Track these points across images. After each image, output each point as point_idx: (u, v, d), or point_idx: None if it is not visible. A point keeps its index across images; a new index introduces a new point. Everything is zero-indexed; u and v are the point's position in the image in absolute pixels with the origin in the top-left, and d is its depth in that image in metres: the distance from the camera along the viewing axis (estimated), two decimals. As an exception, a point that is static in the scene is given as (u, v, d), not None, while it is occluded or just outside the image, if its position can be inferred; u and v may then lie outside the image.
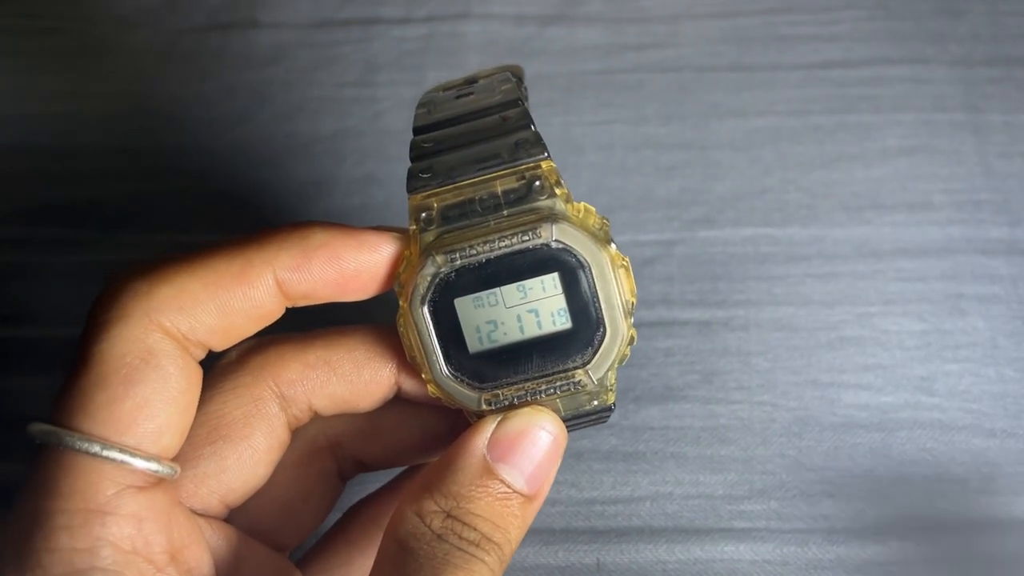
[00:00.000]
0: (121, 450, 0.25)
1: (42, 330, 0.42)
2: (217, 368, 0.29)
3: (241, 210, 0.44)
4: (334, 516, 0.34)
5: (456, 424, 0.29)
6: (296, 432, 0.30)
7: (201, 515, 0.28)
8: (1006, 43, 0.46)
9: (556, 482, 0.40)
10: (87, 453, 0.24)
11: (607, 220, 0.28)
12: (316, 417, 0.30)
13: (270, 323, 0.28)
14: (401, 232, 0.28)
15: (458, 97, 0.29)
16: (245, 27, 0.47)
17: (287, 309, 0.28)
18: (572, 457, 0.40)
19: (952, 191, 0.44)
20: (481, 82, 0.30)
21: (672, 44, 0.46)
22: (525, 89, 0.29)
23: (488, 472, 0.26)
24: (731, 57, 0.46)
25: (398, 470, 0.34)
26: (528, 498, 0.27)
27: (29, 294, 0.43)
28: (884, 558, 0.38)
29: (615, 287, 0.27)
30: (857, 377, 0.41)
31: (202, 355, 0.27)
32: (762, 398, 0.41)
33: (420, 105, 0.30)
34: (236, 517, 0.30)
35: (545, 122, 0.45)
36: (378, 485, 0.34)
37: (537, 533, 0.39)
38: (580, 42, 0.46)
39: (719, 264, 0.43)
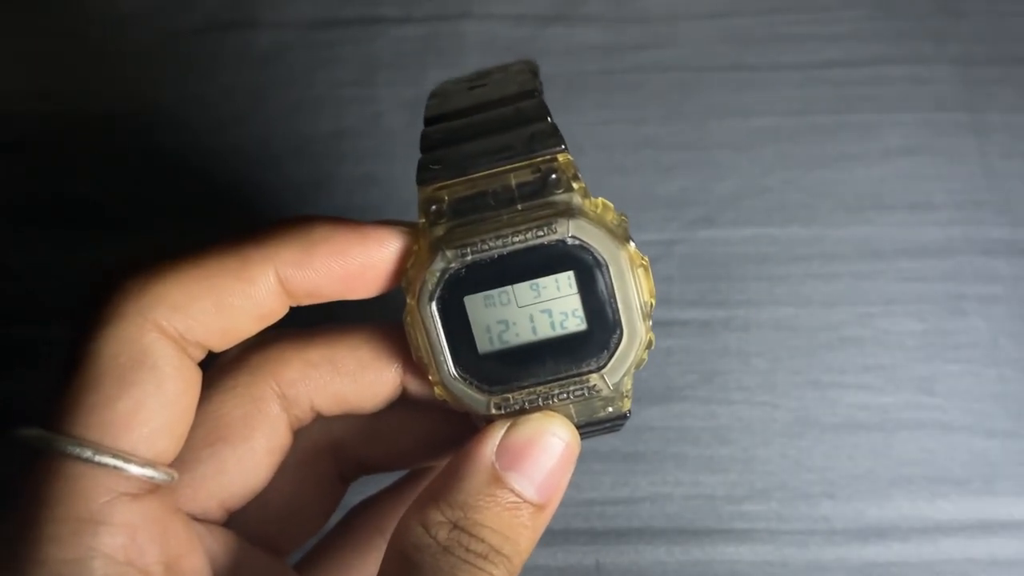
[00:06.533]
0: (114, 455, 0.23)
1: (39, 330, 0.42)
2: (216, 366, 0.28)
3: (240, 210, 0.44)
4: (334, 518, 0.33)
5: (461, 427, 0.28)
6: (297, 433, 0.29)
7: (199, 520, 0.27)
8: (1007, 43, 0.46)
9: (556, 483, 0.40)
10: (79, 459, 0.23)
11: (625, 217, 0.26)
12: (318, 418, 0.29)
13: (273, 322, 0.27)
14: (409, 226, 0.27)
15: (471, 88, 0.28)
16: (244, 27, 0.47)
17: (290, 308, 0.27)
18: (572, 457, 0.40)
19: (953, 191, 0.44)
20: (495, 75, 0.29)
21: (672, 44, 0.46)
22: (540, 83, 0.28)
23: (497, 481, 0.25)
24: (731, 57, 0.46)
25: (400, 472, 0.34)
26: (538, 508, 0.25)
27: (25, 294, 0.43)
28: (884, 559, 0.38)
29: (633, 287, 0.26)
30: (858, 377, 0.41)
31: (201, 356, 0.26)
32: (762, 398, 0.41)
33: (432, 96, 0.28)
34: (234, 521, 0.28)
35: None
36: (379, 487, 0.33)
37: (536, 534, 0.39)
38: (580, 42, 0.46)
39: (719, 264, 0.43)
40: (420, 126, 0.27)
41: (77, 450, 0.23)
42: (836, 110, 0.45)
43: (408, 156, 0.46)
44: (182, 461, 0.26)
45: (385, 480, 0.33)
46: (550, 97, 0.48)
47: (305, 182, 0.45)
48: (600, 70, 0.46)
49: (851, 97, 0.45)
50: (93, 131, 0.46)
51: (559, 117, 0.46)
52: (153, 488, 0.25)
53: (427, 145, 0.27)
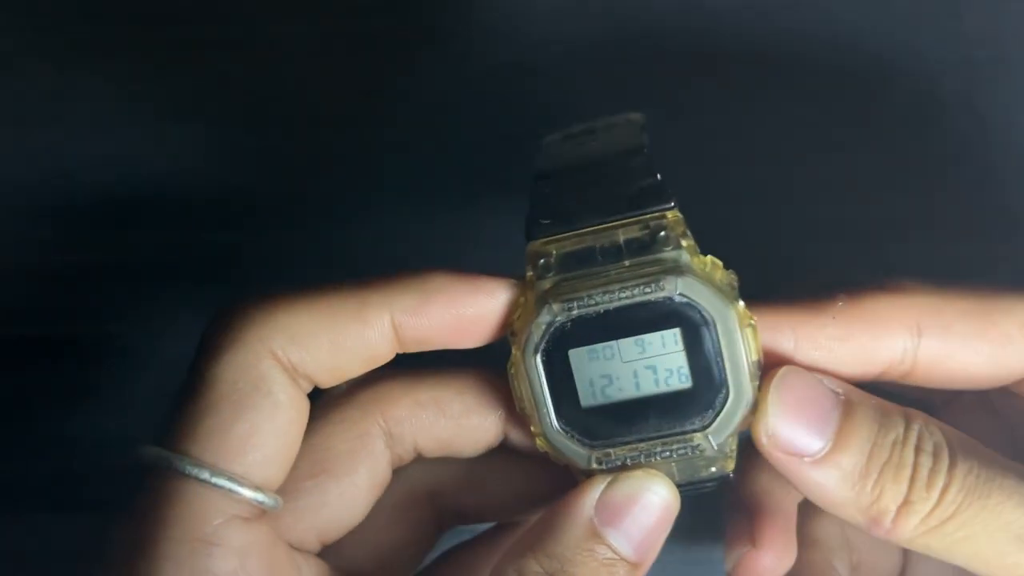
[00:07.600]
0: (229, 478, 0.24)
1: (53, 327, 0.43)
2: (324, 399, 0.29)
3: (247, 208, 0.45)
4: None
5: (558, 480, 0.28)
6: (396, 476, 0.30)
7: (297, 550, 0.28)
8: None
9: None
10: (195, 479, 0.24)
11: (735, 274, 0.27)
12: (418, 459, 0.30)
13: (377, 367, 0.28)
14: (516, 279, 0.28)
15: (579, 144, 0.29)
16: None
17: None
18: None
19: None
20: (601, 129, 0.29)
21: (672, 43, 0.46)
22: (647, 138, 0.29)
23: (595, 536, 0.25)
24: (732, 56, 0.46)
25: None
26: (634, 566, 0.26)
27: (36, 293, 0.43)
28: (885, 559, 0.38)
29: (741, 347, 0.26)
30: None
31: (309, 389, 0.27)
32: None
33: (540, 150, 0.29)
34: (327, 556, 0.29)
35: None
36: (470, 535, 0.34)
37: (537, 533, 0.39)
38: (580, 40, 0.46)
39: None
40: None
41: (195, 471, 0.24)
42: (838, 109, 0.45)
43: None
44: (286, 490, 0.27)
45: (473, 532, 0.34)
46: (551, 98, 0.48)
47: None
48: (600, 69, 0.46)
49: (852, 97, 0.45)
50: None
51: (559, 117, 0.46)
52: (260, 513, 0.26)
53: (536, 199, 0.27)
